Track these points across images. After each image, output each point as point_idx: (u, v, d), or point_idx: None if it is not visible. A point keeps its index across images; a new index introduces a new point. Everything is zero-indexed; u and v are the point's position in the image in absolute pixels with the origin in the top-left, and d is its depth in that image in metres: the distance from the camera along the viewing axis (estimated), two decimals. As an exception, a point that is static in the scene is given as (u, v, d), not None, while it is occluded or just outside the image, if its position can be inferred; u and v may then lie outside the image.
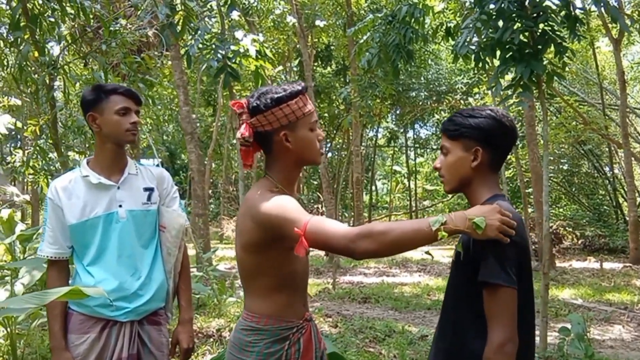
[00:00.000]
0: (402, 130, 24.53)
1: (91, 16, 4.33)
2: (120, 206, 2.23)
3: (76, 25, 4.49)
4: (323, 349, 1.97)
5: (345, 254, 1.60)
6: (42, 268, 4.80)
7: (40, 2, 3.93)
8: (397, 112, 22.14)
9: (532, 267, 1.73)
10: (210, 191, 21.47)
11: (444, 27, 6.97)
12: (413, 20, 6.43)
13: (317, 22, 13.54)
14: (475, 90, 16.84)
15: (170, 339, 2.40)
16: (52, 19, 4.00)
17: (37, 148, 5.16)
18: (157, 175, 2.38)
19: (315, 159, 1.85)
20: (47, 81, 3.94)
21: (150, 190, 2.32)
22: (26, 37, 3.95)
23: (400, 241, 1.54)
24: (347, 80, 17.75)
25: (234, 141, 6.27)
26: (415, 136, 27.14)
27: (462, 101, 19.16)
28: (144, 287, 2.25)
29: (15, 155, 7.83)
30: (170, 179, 2.44)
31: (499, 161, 1.78)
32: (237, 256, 1.87)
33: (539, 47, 4.44)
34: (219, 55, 5.18)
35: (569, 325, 4.55)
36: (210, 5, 5.68)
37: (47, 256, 2.22)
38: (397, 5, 6.77)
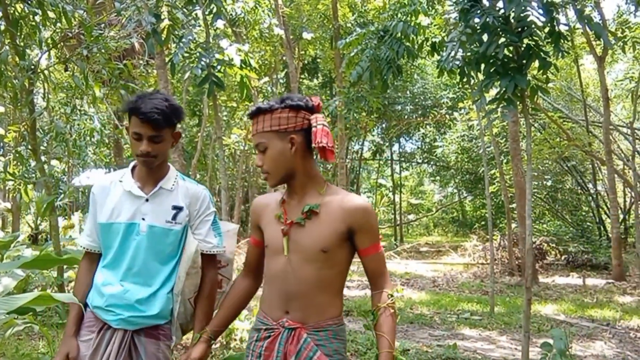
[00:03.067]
0: (387, 143, 24.60)
1: (74, 22, 4.29)
2: (143, 219, 2.20)
3: (57, 30, 4.43)
4: None
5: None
6: (16, 277, 4.70)
7: (22, 6, 3.87)
8: (383, 125, 22.21)
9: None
10: (194, 202, 21.29)
11: (429, 42, 7.01)
12: (404, 37, 6.47)
13: (304, 35, 13.57)
14: (461, 104, 16.96)
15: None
16: (33, 23, 3.95)
17: (17, 154, 5.08)
18: (192, 194, 2.30)
19: None
20: (27, 85, 3.87)
21: (178, 209, 2.25)
22: (6, 41, 3.89)
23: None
24: (334, 93, 17.80)
25: (219, 152, 6.22)
26: (400, 150, 27.24)
27: (447, 115, 19.29)
28: (146, 302, 2.20)
29: (-5, 162, 7.72)
30: (207, 200, 2.33)
31: None
32: None
33: (523, 61, 4.46)
34: (203, 63, 5.15)
35: (551, 341, 4.53)
36: (196, 14, 5.67)
37: (82, 246, 2.31)
38: (390, 21, 6.80)
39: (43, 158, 4.80)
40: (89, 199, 2.31)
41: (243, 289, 2.18)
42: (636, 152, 15.09)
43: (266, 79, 16.93)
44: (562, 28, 4.62)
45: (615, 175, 12.93)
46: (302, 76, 19.11)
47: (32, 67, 3.87)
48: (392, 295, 1.92)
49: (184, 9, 5.57)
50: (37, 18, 3.95)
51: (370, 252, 1.93)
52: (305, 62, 18.44)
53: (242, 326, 5.61)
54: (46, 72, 4.25)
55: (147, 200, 2.22)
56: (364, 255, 1.94)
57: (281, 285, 1.94)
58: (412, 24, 6.47)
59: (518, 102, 4.66)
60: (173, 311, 2.28)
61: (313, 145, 1.90)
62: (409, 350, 5.58)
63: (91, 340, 2.19)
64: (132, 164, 2.31)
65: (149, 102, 2.11)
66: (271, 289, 1.99)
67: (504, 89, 4.46)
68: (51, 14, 4.03)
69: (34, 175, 5.32)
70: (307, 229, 1.92)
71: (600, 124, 14.67)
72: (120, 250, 2.21)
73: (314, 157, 2.01)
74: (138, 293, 2.19)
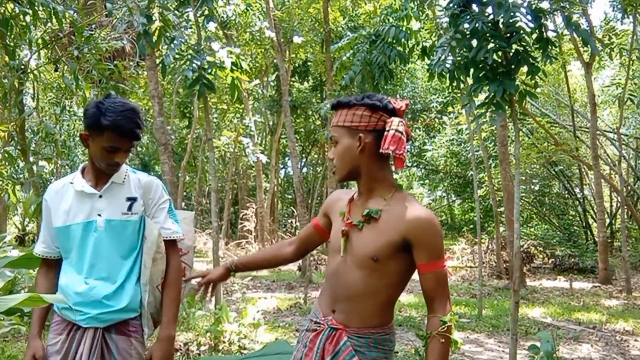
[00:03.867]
0: (377, 147, 24.61)
1: (65, 22, 4.27)
2: (99, 215, 2.21)
3: (48, 30, 4.41)
4: None
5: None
6: (4, 277, 4.68)
7: (12, 6, 3.86)
8: (373, 129, 22.28)
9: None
10: (183, 204, 21.23)
11: (420, 46, 7.06)
12: (396, 41, 6.51)
13: (295, 39, 13.59)
14: (450, 109, 17.06)
15: (145, 354, 2.31)
16: (24, 23, 3.93)
17: (5, 154, 5.05)
18: (144, 184, 2.32)
19: None
20: (16, 85, 3.86)
21: (132, 200, 2.27)
22: (-4, 40, 3.88)
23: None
24: (324, 96, 17.84)
25: (209, 154, 6.19)
26: (390, 153, 27.27)
27: (436, 119, 19.38)
28: (113, 297, 2.20)
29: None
30: (160, 189, 2.36)
31: None
32: None
33: (512, 66, 4.50)
34: (194, 65, 5.16)
35: (538, 344, 4.57)
36: (187, 16, 5.67)
37: (37, 254, 2.31)
38: (382, 25, 6.84)
39: (32, 158, 4.78)
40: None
41: (280, 251, 2.24)
42: (622, 157, 15.24)
43: (257, 81, 16.92)
44: (550, 34, 4.67)
45: (602, 180, 13.07)
46: (293, 79, 19.13)
47: (22, 66, 3.86)
48: (445, 323, 1.80)
49: (176, 11, 5.58)
50: (28, 18, 3.93)
51: (426, 270, 1.81)
52: (296, 65, 18.47)
53: (231, 328, 5.60)
54: (36, 72, 4.23)
55: (100, 196, 2.23)
56: (420, 272, 1.83)
57: (333, 284, 1.94)
58: (404, 28, 6.52)
59: (507, 107, 4.70)
60: (142, 301, 2.28)
61: (380, 150, 1.82)
62: (397, 352, 5.60)
63: (59, 344, 2.19)
64: (81, 165, 2.33)
65: (125, 117, 2.12)
66: (326, 285, 1.98)
67: (492, 93, 4.51)
68: (42, 14, 4.02)
69: (22, 175, 5.28)
70: (363, 234, 1.87)
71: (587, 129, 14.82)
72: (80, 249, 2.22)
73: (388, 161, 1.92)
74: (104, 289, 2.19)
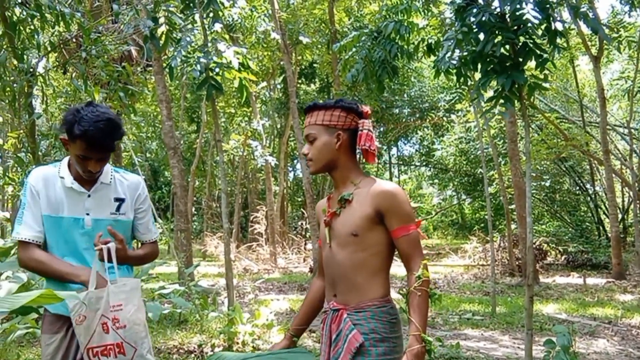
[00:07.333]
0: (385, 147, 24.63)
1: (72, 25, 4.29)
2: (87, 214, 2.22)
3: (56, 34, 4.43)
4: (340, 348, 2.03)
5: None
6: (19, 281, 4.70)
7: (19, 9, 3.88)
8: (381, 129, 22.26)
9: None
10: (193, 208, 21.30)
11: (425, 43, 7.00)
12: (398, 37, 6.47)
13: (301, 38, 13.61)
14: (458, 106, 17.00)
15: None
16: (32, 27, 3.95)
17: (17, 159, 5.07)
18: (130, 184, 2.35)
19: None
20: (25, 89, 3.88)
21: (120, 200, 2.30)
22: (4, 44, 3.90)
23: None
24: (331, 97, 17.84)
25: (218, 157, 6.18)
26: (398, 154, 27.26)
27: (444, 118, 19.32)
28: None
29: (-7, 170, 7.69)
30: (145, 189, 2.42)
31: None
32: None
33: (520, 59, 4.47)
34: (200, 65, 5.16)
35: (554, 339, 4.53)
36: (193, 18, 5.68)
37: (26, 238, 2.14)
38: (383, 22, 6.81)
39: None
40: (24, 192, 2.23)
41: (317, 289, 2.35)
42: (633, 152, 15.12)
43: (264, 84, 16.95)
44: (558, 25, 4.62)
45: (613, 175, 12.95)
46: (300, 81, 19.16)
47: (31, 70, 3.88)
48: (419, 278, 1.98)
49: (182, 13, 5.60)
50: (35, 21, 3.95)
51: (398, 234, 2.01)
52: (303, 67, 18.49)
53: (245, 329, 5.60)
54: (45, 75, 4.26)
55: (89, 196, 2.23)
56: (393, 237, 2.03)
57: (329, 271, 2.14)
58: (405, 23, 6.48)
59: (516, 101, 4.67)
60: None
61: (357, 147, 2.09)
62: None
63: (57, 341, 2.18)
64: (67, 159, 2.27)
65: (97, 128, 2.06)
66: (325, 275, 2.19)
67: (501, 86, 4.47)
68: (49, 17, 4.04)
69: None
70: (341, 217, 2.09)
71: (597, 124, 14.72)
72: (67, 245, 2.20)
73: (356, 156, 2.17)
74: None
